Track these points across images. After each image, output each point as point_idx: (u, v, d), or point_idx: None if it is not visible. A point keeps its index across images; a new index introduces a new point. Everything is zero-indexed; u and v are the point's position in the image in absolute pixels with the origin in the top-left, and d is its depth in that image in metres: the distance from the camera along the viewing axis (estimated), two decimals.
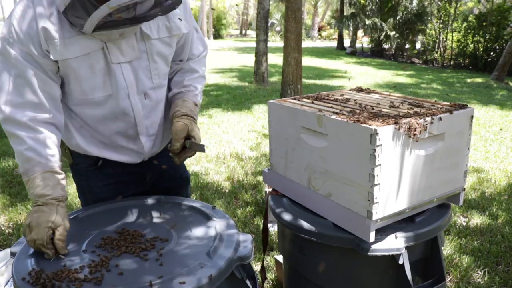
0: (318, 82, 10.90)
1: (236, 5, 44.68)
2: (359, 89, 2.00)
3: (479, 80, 11.81)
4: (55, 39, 1.30)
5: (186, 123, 1.47)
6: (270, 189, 1.85)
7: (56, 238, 1.22)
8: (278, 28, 31.68)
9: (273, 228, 2.94)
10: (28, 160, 1.30)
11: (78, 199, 3.50)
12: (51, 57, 1.32)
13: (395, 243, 1.41)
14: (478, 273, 2.58)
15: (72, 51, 1.33)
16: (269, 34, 15.84)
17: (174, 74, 1.66)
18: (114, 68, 1.40)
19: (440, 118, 1.44)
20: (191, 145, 1.45)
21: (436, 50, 17.06)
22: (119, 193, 1.60)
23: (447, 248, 2.82)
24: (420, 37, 19.38)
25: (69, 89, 1.43)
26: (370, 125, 1.32)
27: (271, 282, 2.51)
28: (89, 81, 1.39)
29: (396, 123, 1.35)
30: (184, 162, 1.66)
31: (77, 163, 1.46)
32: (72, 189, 3.72)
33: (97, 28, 1.25)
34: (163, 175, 1.68)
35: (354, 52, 20.83)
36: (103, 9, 1.20)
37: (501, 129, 5.87)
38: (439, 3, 16.97)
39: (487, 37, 15.00)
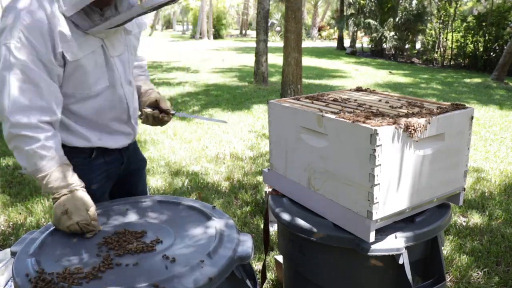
0: (318, 82, 10.90)
1: (237, 5, 44.71)
2: (359, 89, 2.00)
3: (478, 80, 11.82)
4: (70, 41, 1.41)
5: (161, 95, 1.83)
6: (270, 189, 1.85)
7: (91, 219, 1.37)
8: (278, 28, 31.67)
9: (273, 228, 2.93)
10: (42, 157, 1.38)
11: None
12: (68, 58, 1.41)
13: (395, 243, 1.41)
14: (478, 273, 2.58)
15: (83, 50, 1.45)
16: (269, 34, 15.84)
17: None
18: (111, 61, 1.56)
19: (440, 118, 1.44)
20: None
21: (436, 50, 17.06)
22: (108, 180, 1.72)
23: (447, 248, 2.82)
24: (420, 37, 19.38)
25: (69, 89, 1.50)
26: (370, 125, 1.32)
27: (271, 282, 2.51)
28: (93, 76, 1.51)
29: (396, 123, 1.35)
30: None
31: (71, 159, 1.50)
32: None
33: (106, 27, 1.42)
34: (131, 157, 1.81)
35: (354, 52, 20.83)
36: (136, 10, 1.39)
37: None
38: (439, 3, 16.98)
39: (486, 37, 15.01)
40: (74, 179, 1.42)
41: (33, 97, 1.37)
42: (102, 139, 1.61)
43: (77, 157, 1.57)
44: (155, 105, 1.78)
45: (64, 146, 1.50)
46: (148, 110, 1.76)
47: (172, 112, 1.79)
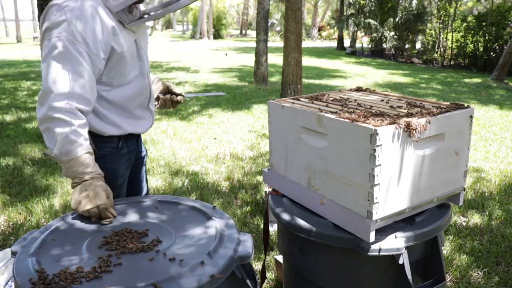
0: (318, 82, 10.90)
1: (237, 5, 44.69)
2: (359, 89, 2.00)
3: (478, 80, 11.82)
4: (118, 35, 1.58)
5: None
6: (270, 189, 1.85)
7: (110, 205, 1.47)
8: (278, 28, 31.67)
9: (273, 228, 2.94)
10: (72, 142, 1.47)
11: None
12: (117, 50, 1.57)
13: (395, 243, 1.41)
14: (478, 273, 2.58)
15: (127, 42, 1.62)
16: (269, 34, 15.84)
17: None
18: (141, 53, 1.73)
19: (440, 118, 1.44)
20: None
21: (436, 50, 17.07)
22: (128, 169, 1.86)
23: (447, 248, 2.83)
24: (420, 37, 19.38)
25: (109, 78, 1.64)
26: (370, 125, 1.32)
27: (271, 282, 2.51)
28: (130, 66, 1.68)
29: (396, 123, 1.35)
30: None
31: (101, 149, 1.66)
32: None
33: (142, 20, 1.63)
34: (140, 146, 1.97)
35: (354, 52, 20.83)
36: (183, 2, 1.59)
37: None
38: (439, 3, 16.98)
39: (486, 37, 15.01)
40: (96, 167, 1.52)
41: (76, 86, 1.47)
42: (130, 124, 1.76)
43: (107, 147, 1.71)
44: (167, 91, 2.02)
45: (96, 136, 1.64)
46: (167, 96, 2.01)
47: (184, 94, 2.08)
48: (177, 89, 2.04)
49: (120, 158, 1.77)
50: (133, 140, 1.85)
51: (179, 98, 2.04)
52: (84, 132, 1.50)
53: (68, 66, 1.46)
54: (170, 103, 2.03)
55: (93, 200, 1.43)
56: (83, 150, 1.48)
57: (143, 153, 2.02)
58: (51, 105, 1.44)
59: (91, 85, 1.53)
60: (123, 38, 1.60)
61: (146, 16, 1.68)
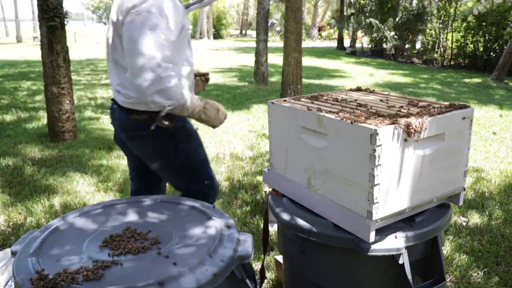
0: (318, 82, 10.90)
1: (237, 5, 44.68)
2: (359, 89, 2.00)
3: (478, 80, 11.82)
4: (186, 15, 1.87)
5: None
6: (270, 189, 1.85)
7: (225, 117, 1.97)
8: (278, 28, 31.67)
9: (273, 228, 2.94)
10: (182, 89, 1.78)
11: (78, 199, 3.50)
12: (186, 28, 1.84)
13: (395, 243, 1.41)
14: (478, 273, 2.58)
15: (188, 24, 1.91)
16: (269, 34, 15.84)
17: None
18: (189, 34, 1.94)
19: (440, 118, 1.44)
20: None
21: (436, 50, 17.06)
22: None
23: (447, 248, 2.83)
24: (420, 37, 19.38)
25: (181, 55, 1.87)
26: (370, 125, 1.32)
27: (271, 282, 2.51)
28: (188, 46, 1.92)
29: (396, 123, 1.35)
30: None
31: (177, 127, 1.90)
32: (72, 186, 3.72)
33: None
34: None
35: (354, 52, 20.83)
36: None
37: (494, 133, 5.76)
38: (439, 3, 16.98)
39: (486, 37, 15.00)
40: (202, 101, 1.89)
41: (167, 52, 1.73)
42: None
43: (185, 126, 1.99)
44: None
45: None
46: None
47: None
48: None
49: (187, 137, 2.03)
50: None
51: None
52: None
53: (161, 36, 1.70)
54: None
55: (222, 112, 1.92)
56: (190, 95, 1.84)
57: None
58: (162, 67, 1.68)
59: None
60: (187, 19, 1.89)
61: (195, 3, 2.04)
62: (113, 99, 1.99)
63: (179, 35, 1.79)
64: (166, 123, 1.81)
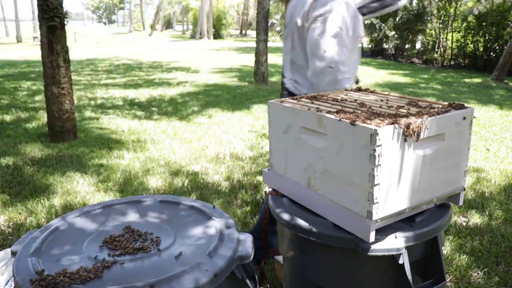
0: None
1: (237, 5, 44.68)
2: (359, 89, 2.00)
3: (478, 80, 11.81)
4: (361, 22, 2.05)
5: None
6: (270, 189, 1.85)
7: None
8: (278, 28, 31.66)
9: None
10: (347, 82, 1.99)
11: (78, 199, 3.50)
12: (361, 34, 2.05)
13: (395, 243, 1.41)
14: (478, 273, 2.58)
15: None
16: (269, 34, 15.82)
17: None
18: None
19: (440, 118, 1.44)
20: None
21: (436, 50, 17.06)
22: None
23: (447, 248, 2.83)
24: (420, 37, 19.37)
25: (352, 56, 2.07)
26: (370, 125, 1.32)
27: (271, 282, 2.51)
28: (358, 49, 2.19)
29: (396, 123, 1.35)
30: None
31: None
32: (72, 186, 3.72)
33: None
34: None
35: None
36: (402, 2, 2.15)
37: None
38: (439, 3, 16.98)
39: (486, 37, 15.00)
40: None
41: (344, 56, 1.93)
42: None
43: None
44: None
45: None
46: None
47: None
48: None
49: None
50: None
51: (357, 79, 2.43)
52: None
53: (338, 41, 1.90)
54: None
55: None
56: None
57: None
58: (334, 71, 1.87)
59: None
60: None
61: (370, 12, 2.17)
62: (285, 87, 2.32)
63: (354, 41, 2.02)
64: None
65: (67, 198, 3.55)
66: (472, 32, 15.39)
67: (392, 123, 1.34)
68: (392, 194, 1.39)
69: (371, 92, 1.94)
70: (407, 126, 1.36)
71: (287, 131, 1.65)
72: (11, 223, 3.16)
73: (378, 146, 1.30)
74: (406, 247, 1.42)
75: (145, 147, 5.06)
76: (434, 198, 1.54)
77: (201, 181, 4.01)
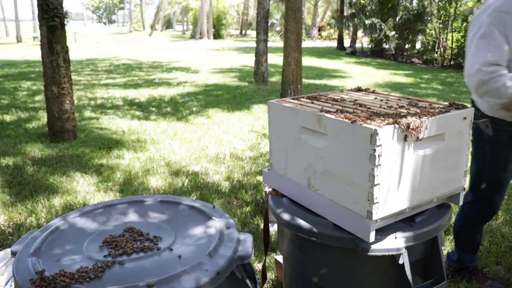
0: (318, 82, 10.90)
1: (237, 5, 44.70)
2: (359, 89, 2.00)
3: None
4: None
5: None
6: (270, 189, 1.85)
7: None
8: (278, 28, 31.66)
9: (273, 228, 2.94)
10: (509, 88, 1.86)
11: (78, 199, 3.50)
12: None
13: (395, 243, 1.41)
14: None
15: None
16: (269, 34, 15.84)
17: None
18: None
19: (440, 118, 1.44)
20: None
21: (436, 50, 17.06)
22: None
23: (447, 248, 2.82)
24: (420, 37, 19.37)
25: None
26: (370, 125, 1.32)
27: (271, 282, 2.51)
28: None
29: (396, 123, 1.35)
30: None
31: (497, 135, 2.03)
32: (72, 186, 3.72)
33: None
34: None
35: (354, 52, 20.83)
36: None
37: None
38: (439, 3, 16.98)
39: None
40: None
41: (493, 57, 1.87)
42: None
43: (506, 133, 2.07)
44: None
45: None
46: None
47: None
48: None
49: (509, 146, 2.11)
50: None
51: None
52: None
53: (489, 42, 1.87)
54: None
55: None
56: None
57: None
58: (485, 71, 1.84)
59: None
60: None
61: None
62: None
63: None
64: (483, 127, 2.02)
65: (67, 198, 3.55)
66: None
67: (392, 123, 1.34)
68: (392, 194, 1.39)
69: (371, 92, 1.94)
70: (407, 126, 1.36)
71: (287, 131, 1.65)
72: (11, 223, 3.16)
73: (378, 146, 1.30)
74: (406, 247, 1.42)
75: (145, 147, 5.06)
76: (434, 198, 1.54)
77: (201, 181, 4.01)
